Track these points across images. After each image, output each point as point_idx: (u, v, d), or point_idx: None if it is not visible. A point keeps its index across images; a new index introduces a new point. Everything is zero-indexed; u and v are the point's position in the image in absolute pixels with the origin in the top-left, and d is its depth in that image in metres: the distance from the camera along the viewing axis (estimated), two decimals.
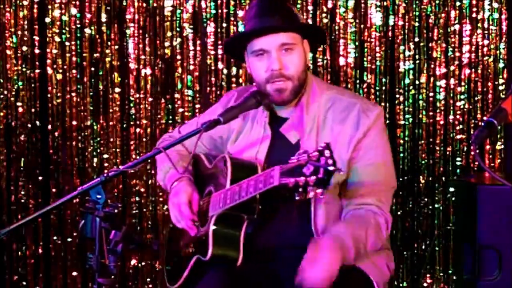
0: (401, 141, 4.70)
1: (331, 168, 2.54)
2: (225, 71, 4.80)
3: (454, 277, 4.61)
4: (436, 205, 4.71)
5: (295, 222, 3.10)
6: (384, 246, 3.19)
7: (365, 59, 4.71)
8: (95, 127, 4.89)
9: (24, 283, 4.95)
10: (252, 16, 3.10)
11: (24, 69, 4.88)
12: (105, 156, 4.89)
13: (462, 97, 4.69)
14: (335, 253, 2.89)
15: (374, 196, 3.07)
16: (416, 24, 4.68)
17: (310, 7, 4.71)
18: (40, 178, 4.91)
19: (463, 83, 4.69)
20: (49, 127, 4.89)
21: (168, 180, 3.30)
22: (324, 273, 2.86)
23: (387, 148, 3.16)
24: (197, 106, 4.84)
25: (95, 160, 4.90)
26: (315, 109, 3.12)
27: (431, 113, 4.70)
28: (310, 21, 4.71)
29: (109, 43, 4.85)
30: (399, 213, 4.68)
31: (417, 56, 4.69)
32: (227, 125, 3.15)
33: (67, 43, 4.85)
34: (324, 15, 4.71)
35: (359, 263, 3.05)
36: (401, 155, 4.70)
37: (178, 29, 4.82)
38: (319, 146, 2.59)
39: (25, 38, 4.86)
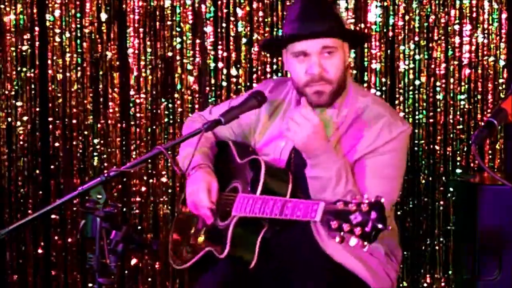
0: None
1: (380, 225, 2.47)
2: (225, 71, 4.81)
3: (454, 277, 4.61)
4: (436, 205, 4.71)
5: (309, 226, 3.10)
6: (380, 249, 3.18)
7: (365, 59, 4.71)
8: (95, 127, 4.89)
9: (24, 283, 4.95)
10: (296, 17, 3.07)
11: (24, 69, 4.88)
12: (105, 156, 4.90)
13: (462, 97, 4.69)
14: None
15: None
16: (416, 24, 4.68)
17: None
18: (40, 178, 4.92)
19: (463, 83, 4.69)
20: (49, 127, 4.89)
21: (188, 164, 3.23)
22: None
23: (400, 162, 3.11)
24: (197, 106, 4.84)
25: (95, 160, 4.90)
26: (345, 114, 3.12)
27: (431, 113, 4.70)
28: None
29: (109, 43, 4.85)
30: (399, 213, 4.68)
31: (417, 56, 4.69)
32: (256, 115, 3.18)
33: (67, 43, 4.85)
34: None
35: (355, 269, 3.06)
36: None
37: (178, 29, 4.83)
38: (372, 198, 2.53)
39: (25, 38, 4.86)
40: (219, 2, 4.75)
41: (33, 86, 4.89)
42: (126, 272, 4.90)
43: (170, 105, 4.86)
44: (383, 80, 4.71)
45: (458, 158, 4.71)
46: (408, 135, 3.12)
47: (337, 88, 3.09)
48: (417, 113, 4.71)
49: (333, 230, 2.53)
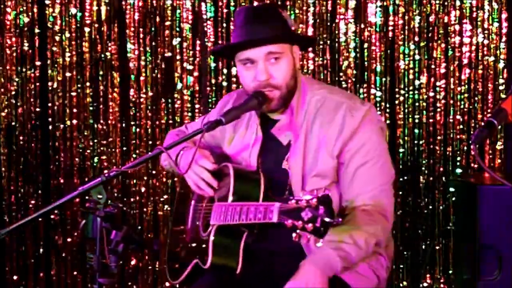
0: (401, 141, 4.70)
1: (327, 219, 2.53)
2: (225, 71, 4.81)
3: (454, 277, 4.61)
4: (436, 205, 4.71)
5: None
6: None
7: (365, 59, 4.71)
8: (95, 127, 4.89)
9: (24, 283, 4.95)
10: (239, 25, 3.07)
11: (24, 69, 4.88)
12: (105, 156, 4.90)
13: (462, 97, 4.70)
14: (318, 277, 2.91)
15: (369, 194, 3.01)
16: (416, 24, 4.68)
17: (310, 7, 4.72)
18: (40, 178, 4.92)
19: (463, 83, 4.69)
20: (49, 127, 4.89)
21: (174, 151, 3.24)
22: None
23: (378, 143, 3.07)
24: (197, 106, 4.84)
25: (95, 160, 4.90)
26: (305, 110, 3.10)
27: (431, 113, 4.70)
28: (310, 19, 4.71)
29: (109, 43, 4.85)
30: (399, 213, 4.68)
31: (417, 56, 4.69)
32: (221, 127, 3.15)
33: (67, 43, 4.85)
34: (323, 13, 4.72)
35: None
36: (401, 155, 4.70)
37: (178, 29, 4.83)
38: (319, 193, 2.57)
39: (25, 38, 4.87)
40: (219, 2, 4.76)
41: (33, 86, 4.89)
42: (126, 271, 4.90)
43: (170, 105, 4.87)
44: (383, 80, 4.71)
45: (458, 158, 4.71)
46: (371, 113, 3.08)
47: (287, 92, 3.06)
48: (417, 113, 4.71)
49: (289, 229, 2.58)
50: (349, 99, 3.11)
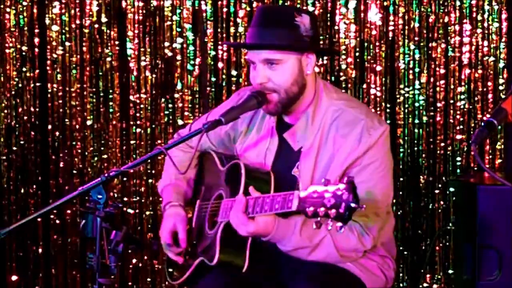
0: (401, 141, 4.71)
1: (353, 204, 2.52)
2: (225, 71, 4.81)
3: (454, 277, 4.61)
4: (436, 205, 4.71)
5: None
6: (376, 250, 3.16)
7: (365, 59, 4.71)
8: (95, 127, 4.89)
9: (24, 283, 4.95)
10: (251, 24, 3.08)
11: (24, 69, 4.88)
12: (105, 156, 4.90)
13: (462, 97, 4.70)
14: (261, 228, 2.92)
15: (362, 216, 2.98)
16: (416, 24, 4.68)
17: (310, 7, 4.72)
18: (40, 178, 4.92)
19: (463, 83, 4.69)
20: (49, 127, 4.89)
21: (164, 198, 3.33)
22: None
23: (386, 163, 3.07)
24: (197, 106, 4.84)
25: (95, 160, 4.90)
26: (321, 119, 3.08)
27: (431, 113, 4.70)
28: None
29: (109, 43, 4.85)
30: (399, 213, 4.68)
31: (417, 56, 4.70)
32: (233, 124, 3.15)
33: (67, 43, 4.85)
34: (323, 14, 4.72)
35: (349, 267, 3.06)
36: (401, 155, 4.70)
37: (178, 29, 4.83)
38: (343, 180, 2.56)
39: (25, 38, 4.86)
40: (219, 2, 4.76)
41: (33, 86, 4.89)
42: (128, 272, 4.90)
43: (170, 105, 4.87)
44: (383, 80, 4.71)
45: (458, 158, 4.71)
46: (387, 135, 3.09)
47: (286, 97, 3.04)
48: (417, 113, 4.71)
49: (310, 217, 2.58)
50: (367, 116, 3.08)
